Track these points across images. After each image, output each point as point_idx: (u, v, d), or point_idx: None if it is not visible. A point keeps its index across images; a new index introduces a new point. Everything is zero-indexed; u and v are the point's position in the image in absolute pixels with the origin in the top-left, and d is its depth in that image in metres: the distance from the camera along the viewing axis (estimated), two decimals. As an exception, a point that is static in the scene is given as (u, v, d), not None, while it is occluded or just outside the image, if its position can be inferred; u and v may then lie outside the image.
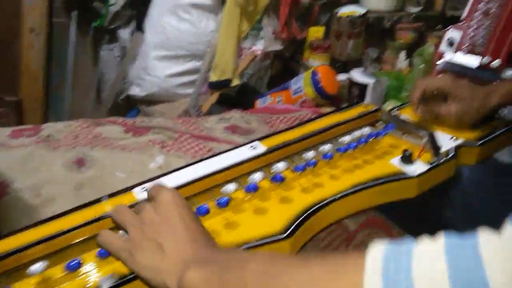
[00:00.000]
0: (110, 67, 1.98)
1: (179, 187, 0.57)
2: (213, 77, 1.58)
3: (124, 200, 0.54)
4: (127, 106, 1.96)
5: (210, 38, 1.62)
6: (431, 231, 0.76)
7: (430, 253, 0.30)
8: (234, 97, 1.56)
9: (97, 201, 0.55)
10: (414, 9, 1.45)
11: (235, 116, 1.15)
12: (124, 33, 1.87)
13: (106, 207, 0.54)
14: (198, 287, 0.38)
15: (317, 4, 1.50)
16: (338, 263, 0.34)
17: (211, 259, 0.42)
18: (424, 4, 1.45)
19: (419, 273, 0.29)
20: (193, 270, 0.39)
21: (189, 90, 1.72)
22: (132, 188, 0.57)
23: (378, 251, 0.32)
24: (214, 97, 1.58)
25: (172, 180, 0.58)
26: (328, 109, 1.32)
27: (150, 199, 0.50)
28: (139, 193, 0.56)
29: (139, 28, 1.84)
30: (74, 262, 0.46)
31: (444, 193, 0.71)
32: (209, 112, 1.55)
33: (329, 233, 0.84)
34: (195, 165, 0.61)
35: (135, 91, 1.78)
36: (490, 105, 0.72)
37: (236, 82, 1.57)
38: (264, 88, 1.67)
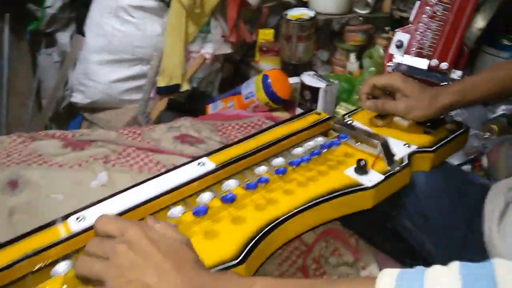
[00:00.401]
0: (49, 73, 1.87)
1: (122, 213, 0.52)
2: (161, 82, 1.52)
3: (56, 233, 0.49)
4: (70, 114, 1.86)
5: (157, 41, 1.56)
6: (389, 238, 0.75)
7: (443, 277, 0.30)
8: (184, 102, 1.52)
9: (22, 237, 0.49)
10: (362, 11, 1.46)
11: (185, 124, 1.11)
12: (63, 37, 1.77)
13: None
14: None
15: (266, 6, 1.48)
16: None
17: (203, 281, 0.38)
18: (372, 6, 1.46)
19: None
20: None
21: (137, 96, 1.65)
22: (68, 217, 0.51)
23: (389, 276, 0.32)
24: (163, 103, 1.52)
25: (114, 205, 0.53)
26: (281, 113, 1.30)
27: (112, 235, 0.44)
28: (75, 224, 0.51)
29: (79, 31, 1.75)
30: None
31: (399, 200, 0.71)
32: (159, 119, 1.49)
33: (286, 246, 0.82)
34: (139, 186, 0.57)
35: (78, 98, 1.69)
36: (438, 104, 0.72)
37: (185, 87, 1.52)
38: (215, 92, 1.63)
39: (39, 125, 1.85)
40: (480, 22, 1.35)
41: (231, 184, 0.58)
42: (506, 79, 0.74)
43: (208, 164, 0.61)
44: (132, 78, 1.62)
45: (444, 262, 0.33)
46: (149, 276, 0.39)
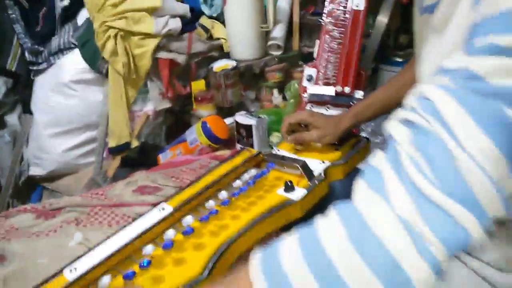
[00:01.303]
0: (3, 153, 1.91)
1: (104, 260, 0.63)
2: (112, 143, 1.63)
3: (58, 284, 0.60)
4: (29, 187, 1.90)
5: (100, 107, 1.67)
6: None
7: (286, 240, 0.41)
8: (136, 157, 1.62)
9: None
10: (276, 53, 1.65)
11: (141, 177, 1.21)
12: (12, 118, 1.84)
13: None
14: None
15: (194, 62, 1.63)
16: (230, 281, 0.43)
17: None
18: (284, 47, 1.65)
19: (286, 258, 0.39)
20: None
21: (90, 159, 1.74)
22: (62, 270, 0.62)
23: (255, 258, 0.42)
24: (117, 161, 1.62)
25: (95, 256, 0.64)
26: (223, 152, 1.44)
27: None
28: (69, 274, 0.62)
29: (26, 110, 1.83)
30: None
31: (323, 205, 0.86)
32: (115, 176, 1.58)
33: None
34: (115, 236, 0.68)
35: (36, 171, 1.76)
36: (341, 128, 0.90)
37: (135, 143, 1.63)
38: (163, 142, 1.74)
39: (1, 203, 1.88)
40: (372, 46, 1.58)
41: (188, 220, 0.71)
42: (394, 95, 0.92)
43: (167, 207, 0.73)
44: (83, 144, 1.71)
45: None
46: None
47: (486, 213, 0.36)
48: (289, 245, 0.41)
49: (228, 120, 1.50)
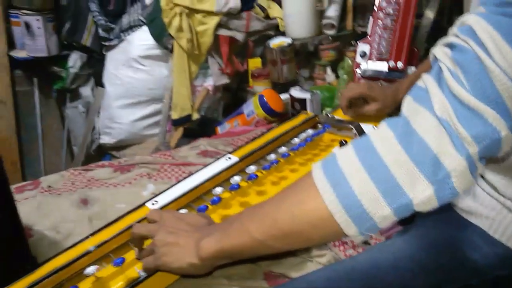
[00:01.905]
0: (76, 123, 2.08)
1: (181, 196, 0.72)
2: (175, 115, 1.73)
3: (143, 211, 0.69)
4: (99, 155, 2.06)
5: (165, 82, 1.77)
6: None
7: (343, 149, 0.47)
8: (196, 129, 1.72)
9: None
10: (330, 32, 1.68)
11: (203, 143, 1.30)
12: (85, 90, 1.99)
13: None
14: (211, 246, 0.52)
15: (251, 40, 1.70)
16: (295, 184, 0.50)
17: (213, 228, 0.56)
18: (337, 27, 1.69)
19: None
20: (203, 240, 0.53)
21: (155, 131, 1.86)
22: (145, 203, 0.71)
23: (316, 167, 0.48)
24: (179, 132, 1.73)
25: (173, 193, 0.73)
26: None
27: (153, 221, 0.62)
28: (151, 206, 0.71)
29: (98, 83, 1.97)
30: (119, 259, 0.60)
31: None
32: (177, 146, 1.69)
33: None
34: (188, 179, 0.76)
35: (105, 140, 1.90)
36: (399, 99, 0.93)
37: (195, 116, 1.73)
38: (220, 117, 1.83)
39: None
40: (425, 25, 1.58)
41: (252, 169, 0.78)
42: None
43: (233, 158, 0.81)
44: (149, 116, 1.83)
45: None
46: (180, 239, 0.56)
47: None
48: (345, 151, 0.47)
49: (283, 96, 1.56)
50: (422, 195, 0.42)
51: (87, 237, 0.66)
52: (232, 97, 1.89)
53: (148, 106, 1.82)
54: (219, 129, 1.63)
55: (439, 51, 0.46)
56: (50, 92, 2.08)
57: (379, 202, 0.43)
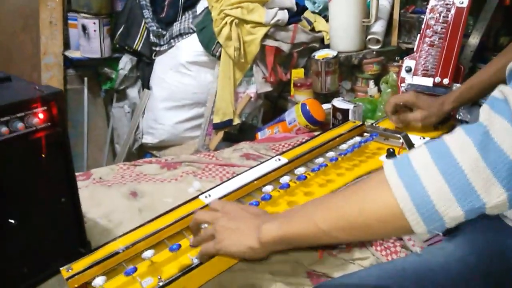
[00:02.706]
0: (121, 122, 2.15)
1: (233, 191, 0.74)
2: (217, 119, 1.77)
3: (197, 203, 0.71)
4: (140, 154, 2.12)
5: (209, 87, 1.82)
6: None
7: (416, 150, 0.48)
8: (236, 134, 1.75)
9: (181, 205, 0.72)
10: (375, 47, 1.69)
11: (245, 146, 1.33)
12: (133, 92, 2.06)
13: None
14: (273, 232, 0.54)
15: (296, 51, 1.73)
16: (366, 180, 0.52)
17: (275, 216, 0.58)
18: (382, 42, 1.69)
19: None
20: (265, 225, 0.56)
21: (195, 133, 1.90)
22: (199, 196, 0.74)
23: (388, 164, 0.49)
24: (220, 136, 1.76)
25: (226, 188, 0.75)
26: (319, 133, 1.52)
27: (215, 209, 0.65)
28: (205, 199, 0.73)
29: (144, 86, 2.04)
30: (176, 245, 0.62)
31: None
32: (217, 149, 1.72)
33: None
34: (241, 175, 0.79)
35: (148, 139, 1.96)
36: (444, 109, 0.93)
37: (236, 121, 1.76)
38: (259, 123, 1.86)
39: (116, 165, 2.11)
40: (471, 45, 1.56)
41: (301, 170, 0.80)
42: (493, 77, 0.93)
43: (283, 159, 0.83)
44: (191, 119, 1.88)
45: None
46: (240, 224, 0.59)
47: None
48: (419, 151, 0.48)
49: (324, 106, 1.57)
50: (496, 200, 0.43)
51: (144, 224, 0.69)
52: (272, 105, 1.92)
53: (191, 110, 1.86)
54: (259, 135, 1.65)
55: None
56: (98, 92, 2.17)
57: (453, 204, 0.44)
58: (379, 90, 1.62)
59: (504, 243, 0.58)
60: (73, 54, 1.99)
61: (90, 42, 1.89)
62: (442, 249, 0.59)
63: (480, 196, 0.43)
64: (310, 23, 1.74)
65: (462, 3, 1.31)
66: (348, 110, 1.36)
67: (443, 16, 1.33)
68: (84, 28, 1.87)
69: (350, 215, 0.49)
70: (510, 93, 0.45)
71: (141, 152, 2.12)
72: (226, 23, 1.61)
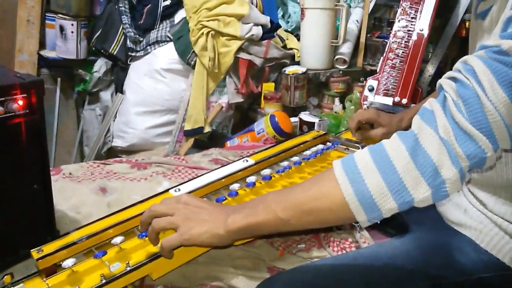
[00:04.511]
0: (91, 125, 2.14)
1: (201, 187, 0.77)
2: (188, 126, 1.80)
3: (167, 196, 0.74)
4: (108, 157, 2.10)
5: (182, 95, 1.85)
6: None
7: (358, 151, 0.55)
8: (206, 141, 1.78)
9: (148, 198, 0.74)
10: (341, 67, 1.78)
11: (214, 152, 1.36)
12: (105, 95, 2.06)
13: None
14: (239, 221, 0.58)
15: (268, 65, 1.79)
16: (318, 176, 0.58)
17: (238, 207, 0.62)
18: (349, 63, 1.78)
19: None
20: (232, 215, 0.59)
21: (166, 139, 1.91)
22: (169, 190, 0.77)
23: (337, 163, 0.56)
24: (190, 142, 1.79)
25: (194, 184, 0.78)
26: (284, 145, 1.57)
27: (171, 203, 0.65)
28: (174, 193, 0.76)
29: (117, 90, 2.05)
30: (145, 233, 0.65)
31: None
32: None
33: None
34: (211, 173, 0.82)
35: (118, 143, 1.95)
36: (402, 126, 1.00)
37: (207, 129, 1.79)
38: (229, 133, 1.90)
39: (84, 167, 2.08)
40: (429, 70, 1.67)
41: (267, 171, 0.84)
42: None
43: (250, 161, 0.87)
44: (163, 125, 1.90)
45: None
46: (203, 215, 0.61)
47: (498, 142, 0.51)
48: (362, 153, 0.55)
49: (292, 119, 1.63)
50: (422, 195, 0.51)
51: (115, 213, 0.71)
52: (242, 116, 1.96)
53: (163, 116, 1.88)
54: (228, 144, 1.69)
55: (445, 82, 0.55)
56: (71, 93, 2.15)
57: (388, 198, 0.51)
58: (344, 107, 1.70)
59: (445, 240, 0.65)
60: (48, 53, 1.98)
61: (67, 43, 1.88)
62: (391, 243, 0.65)
63: (410, 192, 0.51)
64: (282, 40, 1.81)
65: (422, 30, 1.41)
66: (314, 123, 1.43)
67: (405, 41, 1.42)
68: (61, 28, 1.87)
69: (305, 206, 0.55)
70: (435, 106, 0.53)
71: (110, 155, 2.10)
72: (202, 33, 1.66)
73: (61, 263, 0.60)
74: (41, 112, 0.67)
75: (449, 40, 1.72)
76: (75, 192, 1.03)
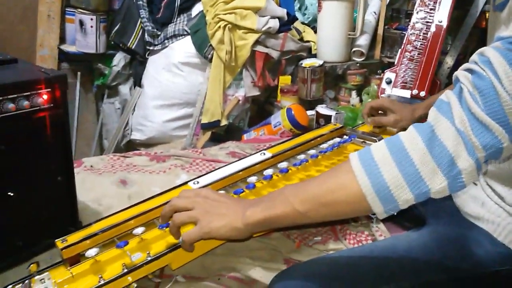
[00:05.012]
0: (111, 118, 2.17)
1: (219, 179, 0.78)
2: (205, 119, 1.81)
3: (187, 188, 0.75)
4: (127, 150, 2.13)
5: (200, 88, 1.86)
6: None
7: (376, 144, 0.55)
8: (222, 134, 1.79)
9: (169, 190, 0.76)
10: (359, 59, 1.77)
11: (231, 145, 1.37)
12: (124, 89, 2.09)
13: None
14: (257, 215, 0.59)
15: (284, 58, 1.79)
16: (335, 168, 0.58)
17: (256, 201, 0.63)
18: (366, 55, 1.77)
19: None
20: (250, 208, 0.60)
21: (183, 132, 1.93)
22: (188, 182, 0.78)
23: (354, 155, 0.56)
24: (207, 136, 1.80)
25: (213, 177, 0.79)
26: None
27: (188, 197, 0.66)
28: (193, 185, 0.77)
29: (136, 84, 2.07)
30: (166, 224, 0.66)
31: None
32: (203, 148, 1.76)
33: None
34: (228, 166, 0.83)
35: (136, 136, 1.98)
36: (416, 115, 1.00)
37: (224, 122, 1.80)
38: (246, 126, 1.91)
39: (104, 159, 2.12)
40: (448, 62, 1.65)
41: (283, 164, 0.84)
42: None
43: (267, 154, 0.87)
44: (180, 118, 1.91)
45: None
46: (222, 209, 0.62)
47: None
48: (378, 145, 0.55)
49: (308, 112, 1.63)
50: (438, 186, 0.51)
51: (136, 204, 0.73)
52: (258, 109, 1.97)
53: (181, 109, 1.90)
54: (244, 137, 1.70)
55: (461, 74, 0.55)
56: (90, 87, 2.19)
57: (404, 189, 0.52)
58: (361, 100, 1.69)
59: (462, 233, 0.65)
60: (68, 48, 2.01)
61: (86, 37, 1.91)
62: (407, 236, 0.65)
63: (426, 183, 0.51)
64: (299, 32, 1.81)
65: (441, 21, 1.39)
66: (330, 116, 1.42)
67: (423, 33, 1.40)
68: (81, 23, 1.90)
69: (323, 198, 0.56)
70: (452, 98, 0.53)
71: (129, 148, 2.13)
72: (219, 27, 1.67)
73: (84, 252, 0.62)
74: (64, 106, 0.69)
75: (469, 32, 1.69)
76: (96, 184, 1.05)
